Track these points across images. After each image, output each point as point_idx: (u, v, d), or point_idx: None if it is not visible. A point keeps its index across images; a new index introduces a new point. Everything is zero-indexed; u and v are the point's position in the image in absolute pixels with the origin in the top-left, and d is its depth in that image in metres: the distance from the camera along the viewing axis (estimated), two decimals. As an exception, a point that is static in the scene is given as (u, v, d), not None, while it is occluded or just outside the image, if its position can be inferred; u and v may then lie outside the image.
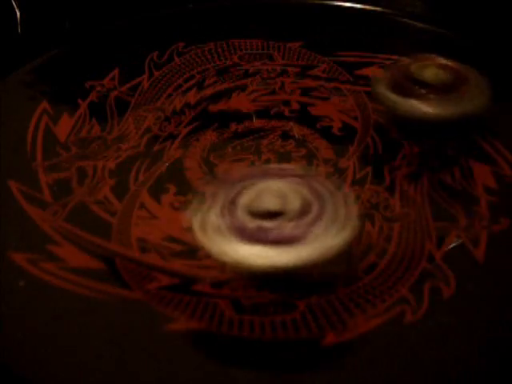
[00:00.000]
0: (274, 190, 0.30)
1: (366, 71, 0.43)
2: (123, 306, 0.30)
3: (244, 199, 0.30)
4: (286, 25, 0.48)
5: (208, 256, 0.32)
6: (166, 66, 0.44)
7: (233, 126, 0.40)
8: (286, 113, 0.40)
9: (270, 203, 0.29)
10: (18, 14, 0.47)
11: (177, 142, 0.38)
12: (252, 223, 0.29)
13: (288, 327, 0.29)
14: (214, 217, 0.30)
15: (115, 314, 0.30)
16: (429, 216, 0.33)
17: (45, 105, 0.41)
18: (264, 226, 0.28)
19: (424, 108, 0.36)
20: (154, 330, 0.29)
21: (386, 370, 0.27)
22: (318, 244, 0.28)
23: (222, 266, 0.30)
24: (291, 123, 0.39)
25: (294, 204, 0.29)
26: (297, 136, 0.39)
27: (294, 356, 0.28)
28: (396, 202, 0.34)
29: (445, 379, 0.27)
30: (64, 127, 0.40)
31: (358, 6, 0.49)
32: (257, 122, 0.40)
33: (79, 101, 0.41)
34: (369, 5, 0.49)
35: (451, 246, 0.32)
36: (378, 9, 0.49)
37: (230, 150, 0.38)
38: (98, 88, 0.43)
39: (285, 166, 0.33)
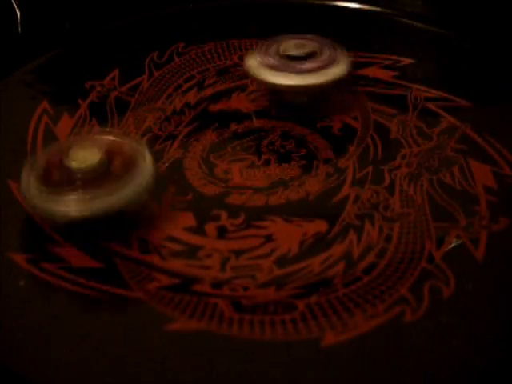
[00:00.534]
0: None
1: (365, 71, 0.43)
2: (123, 306, 0.30)
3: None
4: (286, 25, 0.48)
5: (208, 256, 0.32)
6: (166, 66, 0.44)
7: (233, 126, 0.40)
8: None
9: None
10: (19, 14, 0.47)
11: (177, 142, 0.38)
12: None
13: (288, 327, 0.29)
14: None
15: (115, 314, 0.30)
16: (429, 216, 0.33)
17: (45, 105, 0.41)
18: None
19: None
20: (154, 330, 0.29)
21: (386, 370, 0.27)
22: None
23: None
24: (291, 123, 0.39)
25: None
26: (297, 136, 0.39)
27: (293, 356, 0.28)
28: (396, 201, 0.34)
29: (445, 379, 0.27)
30: (64, 127, 0.40)
31: (358, 6, 0.49)
32: (257, 122, 0.40)
33: (79, 101, 0.41)
34: (368, 5, 0.49)
35: (451, 246, 0.32)
36: (377, 9, 0.49)
37: (229, 150, 0.38)
38: (98, 88, 0.43)
39: None
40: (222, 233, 0.33)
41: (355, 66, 0.42)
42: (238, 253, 0.32)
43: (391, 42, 0.47)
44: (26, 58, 0.45)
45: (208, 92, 0.42)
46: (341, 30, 0.47)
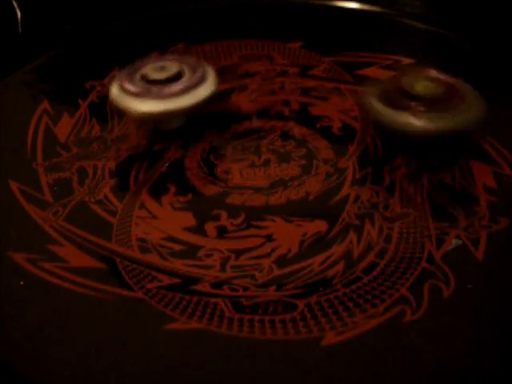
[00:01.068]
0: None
1: (365, 71, 0.43)
2: (123, 306, 0.30)
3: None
4: (286, 25, 0.48)
5: (208, 256, 0.32)
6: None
7: (233, 126, 0.40)
8: (286, 113, 0.40)
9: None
10: (19, 14, 0.47)
11: (177, 142, 0.38)
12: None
13: (288, 327, 0.29)
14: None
15: (115, 314, 0.30)
16: (429, 216, 0.33)
17: (45, 105, 0.41)
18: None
19: (413, 121, 0.34)
20: (154, 330, 0.29)
21: (385, 370, 0.27)
22: None
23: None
24: (291, 123, 0.39)
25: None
26: (297, 136, 0.39)
27: (293, 356, 0.28)
28: (396, 201, 0.34)
29: (445, 379, 0.27)
30: (64, 127, 0.40)
31: (358, 6, 0.49)
32: (257, 122, 0.40)
33: (79, 101, 0.42)
34: (368, 5, 0.49)
35: (451, 246, 0.32)
36: (377, 9, 0.49)
37: (230, 150, 0.38)
38: (98, 88, 0.43)
39: None
40: (221, 233, 0.33)
41: (355, 66, 0.42)
42: (238, 253, 0.32)
43: (391, 41, 0.47)
44: (27, 58, 0.45)
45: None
46: (341, 30, 0.47)
